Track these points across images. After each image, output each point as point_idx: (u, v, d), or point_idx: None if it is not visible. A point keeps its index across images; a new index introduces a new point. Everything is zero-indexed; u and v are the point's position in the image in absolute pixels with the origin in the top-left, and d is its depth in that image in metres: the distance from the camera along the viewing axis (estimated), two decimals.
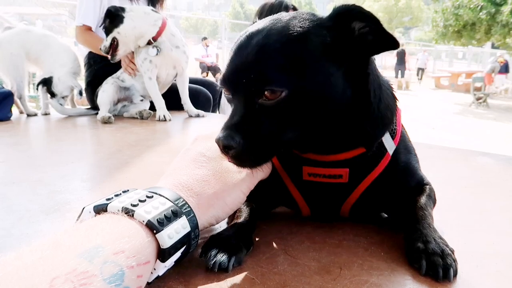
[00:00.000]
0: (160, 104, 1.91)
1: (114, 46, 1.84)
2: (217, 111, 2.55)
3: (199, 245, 0.52)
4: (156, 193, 0.48)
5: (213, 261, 0.50)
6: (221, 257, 0.51)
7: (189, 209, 0.49)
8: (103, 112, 1.87)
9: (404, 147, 0.67)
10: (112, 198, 0.46)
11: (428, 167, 0.75)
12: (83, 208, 0.47)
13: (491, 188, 0.94)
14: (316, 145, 0.60)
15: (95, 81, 2.11)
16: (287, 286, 0.48)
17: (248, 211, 0.63)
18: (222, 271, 0.50)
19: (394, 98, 0.64)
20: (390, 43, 0.53)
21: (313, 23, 0.54)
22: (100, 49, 1.86)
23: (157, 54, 1.85)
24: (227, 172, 0.56)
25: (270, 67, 0.51)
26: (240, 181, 0.57)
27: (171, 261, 0.46)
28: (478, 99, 10.59)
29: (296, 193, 0.65)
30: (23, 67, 2.00)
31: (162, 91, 2.00)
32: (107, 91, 1.95)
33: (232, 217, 0.63)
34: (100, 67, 2.18)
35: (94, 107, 2.05)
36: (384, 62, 17.98)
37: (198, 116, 2.00)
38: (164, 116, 1.88)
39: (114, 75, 2.02)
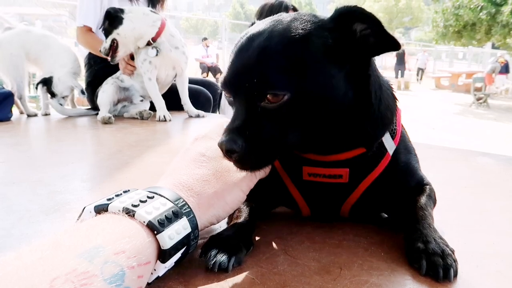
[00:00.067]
0: (160, 104, 1.91)
1: (113, 47, 1.84)
2: (217, 112, 2.55)
3: (199, 245, 0.52)
4: (156, 193, 0.48)
5: (213, 261, 0.50)
6: (221, 257, 0.51)
7: (189, 209, 0.49)
8: (103, 112, 1.87)
9: (404, 147, 0.67)
10: (113, 198, 0.46)
11: (428, 168, 0.75)
12: (84, 208, 0.47)
13: (491, 189, 0.94)
14: (316, 146, 0.60)
15: (95, 81, 2.11)
16: (287, 286, 0.48)
17: (248, 211, 0.63)
18: (222, 271, 0.50)
19: (394, 99, 0.64)
20: (392, 45, 0.53)
21: (315, 25, 0.53)
22: (100, 51, 1.86)
23: (156, 54, 1.86)
24: (227, 171, 0.56)
25: (272, 70, 0.51)
26: (240, 180, 0.57)
27: (171, 262, 0.46)
28: (478, 99, 10.58)
29: (296, 193, 0.65)
30: (23, 67, 2.01)
31: (162, 92, 2.01)
32: (107, 92, 1.95)
33: (232, 217, 0.63)
34: (100, 68, 2.18)
35: (94, 107, 2.05)
36: (384, 63, 17.98)
37: (198, 116, 2.00)
38: (164, 116, 1.88)
39: (114, 76, 2.02)
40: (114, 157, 1.19)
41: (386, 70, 16.08)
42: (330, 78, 0.53)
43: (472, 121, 8.26)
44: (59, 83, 1.99)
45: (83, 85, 2.19)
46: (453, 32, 14.03)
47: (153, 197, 0.47)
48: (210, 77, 9.92)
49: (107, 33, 1.83)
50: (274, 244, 0.59)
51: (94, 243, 0.37)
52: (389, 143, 0.63)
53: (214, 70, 10.83)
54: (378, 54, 0.55)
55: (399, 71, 14.27)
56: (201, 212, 0.51)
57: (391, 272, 0.52)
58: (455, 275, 0.50)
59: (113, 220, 0.43)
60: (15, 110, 2.00)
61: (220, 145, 0.53)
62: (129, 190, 0.49)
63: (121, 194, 0.48)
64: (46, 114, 2.08)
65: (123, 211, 0.44)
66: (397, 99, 0.65)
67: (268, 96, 0.51)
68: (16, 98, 1.97)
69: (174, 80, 2.05)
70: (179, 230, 0.45)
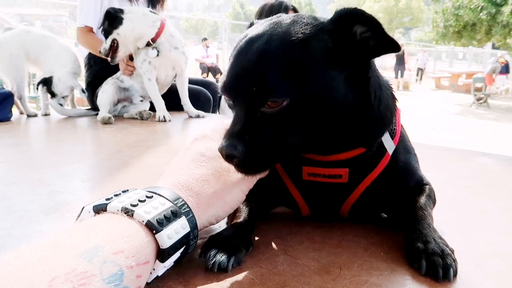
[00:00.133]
0: (160, 105, 1.91)
1: (114, 48, 1.83)
2: (217, 112, 2.55)
3: (198, 245, 0.52)
4: (155, 193, 0.48)
5: (213, 261, 0.50)
6: (221, 257, 0.51)
7: (188, 209, 0.49)
8: (103, 112, 1.87)
9: (404, 147, 0.67)
10: (112, 198, 0.46)
11: (429, 168, 0.75)
12: (83, 208, 0.47)
13: (491, 189, 0.94)
14: (316, 146, 0.60)
15: (95, 81, 2.11)
16: (287, 286, 0.48)
17: (248, 211, 0.63)
18: (222, 271, 0.50)
19: (393, 99, 0.64)
20: (392, 47, 0.53)
21: (314, 28, 0.53)
22: (100, 51, 1.86)
23: (157, 55, 1.85)
24: (227, 171, 0.56)
25: (272, 75, 0.51)
26: (240, 180, 0.57)
27: (170, 262, 0.46)
28: (478, 99, 10.59)
29: (295, 193, 0.65)
30: (23, 67, 2.00)
31: (161, 92, 2.01)
32: (107, 92, 1.95)
33: (231, 217, 0.63)
34: (100, 68, 2.18)
35: (94, 107, 2.05)
36: (384, 63, 17.99)
37: (198, 116, 2.00)
38: (164, 116, 1.88)
39: (114, 76, 2.02)
40: (114, 157, 1.19)
41: (386, 70, 16.09)
42: (330, 81, 0.53)
43: (472, 121, 8.26)
44: (59, 83, 1.99)
45: (83, 85, 2.19)
46: (453, 32, 14.03)
47: (152, 196, 0.47)
48: (210, 78, 9.93)
49: (107, 33, 1.83)
50: (273, 244, 0.59)
51: (93, 243, 0.37)
52: (389, 143, 0.63)
53: (214, 70, 10.83)
54: (378, 56, 0.55)
55: (399, 72, 14.28)
56: (200, 212, 0.51)
57: (391, 272, 0.52)
58: (455, 275, 0.50)
59: (112, 220, 0.43)
60: (15, 111, 2.00)
61: (220, 150, 0.53)
62: (128, 190, 0.49)
63: (120, 194, 0.48)
64: (46, 115, 2.08)
65: (122, 211, 0.44)
66: (396, 99, 0.65)
67: (267, 101, 0.51)
68: (16, 99, 1.97)
69: (174, 81, 2.05)
70: (178, 229, 0.45)
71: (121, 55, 1.87)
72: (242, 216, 0.61)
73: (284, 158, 0.58)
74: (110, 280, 0.35)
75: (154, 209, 0.45)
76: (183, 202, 0.49)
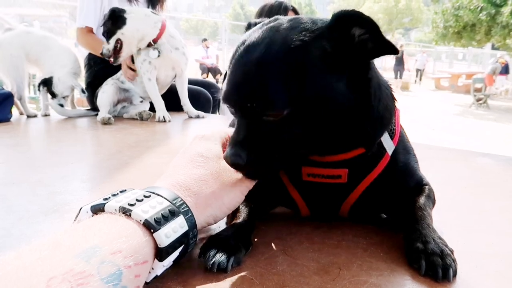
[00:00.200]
0: (160, 105, 1.91)
1: (117, 48, 1.82)
2: (217, 112, 2.56)
3: (197, 245, 0.52)
4: (153, 193, 0.48)
5: (212, 261, 0.50)
6: (220, 257, 0.51)
7: (187, 208, 0.49)
8: (103, 113, 1.87)
9: (403, 147, 0.67)
10: (110, 198, 0.46)
11: (428, 168, 0.75)
12: (81, 208, 0.47)
13: (490, 189, 0.94)
14: (317, 149, 0.60)
15: (95, 82, 2.11)
16: (286, 287, 0.48)
17: (247, 211, 0.63)
18: (221, 272, 0.50)
19: (393, 99, 0.64)
20: (390, 49, 0.53)
21: (312, 34, 0.52)
22: (102, 52, 1.84)
23: (158, 56, 1.85)
24: (225, 172, 0.57)
25: (271, 87, 0.51)
26: (238, 181, 0.57)
27: (169, 261, 0.46)
28: (478, 100, 10.60)
29: (295, 193, 0.65)
30: (23, 68, 2.01)
31: (161, 92, 2.01)
32: (107, 92, 1.95)
33: (231, 217, 0.63)
34: (100, 68, 2.18)
35: (94, 108, 2.05)
36: (384, 64, 18.00)
37: (198, 117, 2.00)
38: (164, 117, 1.88)
39: (114, 76, 2.02)
40: (114, 157, 1.19)
41: (385, 71, 16.10)
42: (331, 86, 0.53)
43: (472, 121, 8.27)
44: (59, 83, 1.99)
45: (83, 86, 2.19)
46: (452, 33, 14.05)
47: (150, 196, 0.47)
48: (210, 78, 9.93)
49: (110, 33, 1.80)
50: (273, 245, 0.59)
51: (91, 243, 0.37)
52: (388, 144, 0.63)
53: (214, 71, 10.84)
54: (377, 57, 0.55)
55: (398, 72, 14.30)
56: (199, 212, 0.51)
57: (391, 273, 0.52)
58: (454, 275, 0.50)
59: (109, 220, 0.43)
60: (15, 111, 2.00)
61: (226, 158, 0.54)
62: (125, 190, 0.49)
63: (117, 194, 0.48)
64: (46, 115, 2.08)
65: (119, 210, 0.44)
66: (395, 100, 0.65)
67: (268, 111, 0.52)
68: (16, 99, 1.97)
69: (174, 81, 2.05)
70: (176, 228, 0.45)
71: (124, 55, 1.85)
72: (242, 216, 0.61)
73: (288, 163, 0.58)
74: (109, 280, 0.35)
75: (151, 208, 0.45)
76: (182, 201, 0.49)
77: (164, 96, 1.96)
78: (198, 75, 9.75)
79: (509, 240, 0.64)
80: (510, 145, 5.72)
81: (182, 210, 0.48)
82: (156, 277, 0.46)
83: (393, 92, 0.65)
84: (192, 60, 7.31)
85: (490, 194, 0.90)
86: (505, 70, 12.69)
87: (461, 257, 0.53)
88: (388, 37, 0.53)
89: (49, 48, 2.04)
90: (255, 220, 0.62)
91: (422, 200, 0.63)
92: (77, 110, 2.18)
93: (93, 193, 0.90)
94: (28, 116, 2.01)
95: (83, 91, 2.05)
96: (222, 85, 0.58)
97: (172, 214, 0.46)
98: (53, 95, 2.02)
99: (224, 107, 2.59)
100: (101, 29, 2.19)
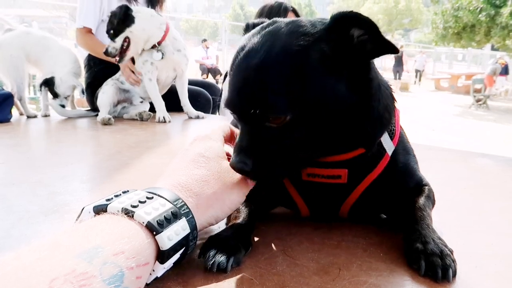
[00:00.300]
0: (160, 105, 1.91)
1: (123, 47, 1.79)
2: (217, 113, 2.56)
3: (197, 245, 0.53)
4: (155, 194, 0.48)
5: (212, 262, 0.50)
6: (220, 258, 0.51)
7: (188, 210, 0.49)
8: (103, 113, 1.87)
9: (403, 148, 0.67)
10: (112, 198, 0.46)
11: (428, 168, 0.75)
12: (83, 208, 0.47)
13: (490, 189, 0.95)
14: (319, 150, 0.60)
15: (95, 82, 2.11)
16: (286, 287, 0.48)
17: (247, 211, 0.63)
18: (221, 272, 0.50)
19: (392, 99, 0.64)
20: (390, 49, 0.53)
21: (311, 37, 0.52)
22: (107, 50, 1.79)
23: (162, 58, 1.85)
24: (226, 172, 0.57)
25: (271, 93, 0.51)
26: (239, 181, 0.57)
27: (170, 263, 0.46)
28: (478, 100, 10.61)
29: (295, 193, 0.65)
30: (23, 68, 2.01)
31: (161, 93, 2.01)
32: (107, 93, 1.95)
33: (231, 217, 0.63)
34: (100, 69, 2.18)
35: (94, 108, 2.05)
36: (384, 64, 18.00)
37: (198, 117, 2.00)
38: (164, 117, 1.88)
39: (113, 77, 2.02)
40: (114, 158, 1.19)
41: (385, 71, 16.11)
42: (331, 89, 0.53)
43: (472, 122, 8.27)
44: (61, 84, 1.99)
45: (83, 86, 2.19)
46: (452, 34, 14.06)
47: (152, 197, 0.47)
48: (210, 79, 9.93)
49: (117, 31, 1.76)
50: (273, 245, 0.60)
51: (93, 244, 0.37)
52: (388, 144, 0.63)
53: (214, 71, 10.84)
54: (376, 57, 0.55)
55: (397, 73, 14.31)
56: (200, 212, 0.51)
57: (390, 273, 0.52)
58: (454, 275, 0.50)
59: (112, 221, 0.43)
60: (15, 112, 2.00)
61: (232, 165, 0.55)
62: (128, 191, 0.49)
63: (120, 194, 0.47)
64: (46, 116, 2.08)
65: (122, 211, 0.44)
66: (395, 100, 0.65)
67: (270, 118, 0.52)
68: (16, 100, 1.97)
69: (174, 81, 2.06)
70: (178, 231, 0.45)
71: (130, 54, 1.83)
72: (242, 216, 0.61)
73: (294, 167, 0.58)
74: (111, 281, 0.35)
75: (154, 210, 0.45)
76: (183, 203, 0.49)
77: (164, 97, 1.96)
78: (198, 76, 9.75)
79: (508, 241, 0.64)
80: (509, 146, 5.72)
81: (183, 212, 0.48)
82: (156, 278, 0.46)
83: (393, 93, 0.65)
84: (192, 60, 7.32)
85: (490, 195, 0.90)
86: (504, 71, 12.70)
87: (461, 258, 0.53)
88: (388, 37, 0.53)
89: (49, 49, 2.04)
90: (255, 220, 0.63)
91: (421, 200, 0.63)
92: (77, 111, 2.18)
93: (93, 193, 0.90)
94: (28, 117, 2.01)
95: (82, 92, 2.05)
96: (222, 86, 0.58)
97: (174, 217, 0.46)
98: (55, 96, 2.02)
99: (224, 108, 2.58)
100: (101, 30, 2.20)
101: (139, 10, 1.82)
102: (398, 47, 0.54)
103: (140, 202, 0.45)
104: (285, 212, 0.72)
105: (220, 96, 2.51)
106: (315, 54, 0.52)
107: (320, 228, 0.65)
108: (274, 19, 0.59)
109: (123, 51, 1.80)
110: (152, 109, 2.00)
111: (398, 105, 0.66)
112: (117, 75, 2.02)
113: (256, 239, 0.61)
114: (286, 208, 0.72)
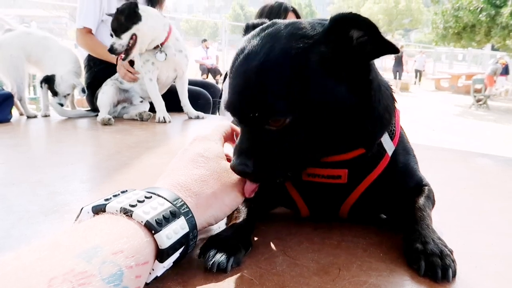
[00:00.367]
0: (160, 106, 1.91)
1: (130, 44, 1.78)
2: (217, 113, 2.56)
3: (197, 245, 0.53)
4: (154, 194, 0.48)
5: (212, 262, 0.50)
6: (220, 258, 0.51)
7: (188, 209, 0.49)
8: (103, 113, 1.87)
9: (403, 148, 0.67)
10: (111, 198, 0.46)
11: (427, 168, 0.75)
12: (82, 209, 0.47)
13: (490, 190, 0.95)
14: (319, 151, 0.60)
15: (95, 83, 2.11)
16: (286, 287, 0.48)
17: (247, 211, 0.63)
18: (221, 272, 0.50)
19: (393, 99, 0.64)
20: (390, 49, 0.53)
21: (311, 39, 0.52)
22: (112, 48, 1.76)
23: (165, 59, 1.85)
24: (226, 172, 0.57)
25: (271, 96, 0.51)
26: (238, 181, 0.57)
27: (169, 262, 0.46)
28: (478, 101, 10.61)
29: (295, 193, 0.65)
30: (23, 69, 2.01)
31: (161, 92, 2.01)
32: (106, 93, 1.95)
33: (231, 217, 0.63)
34: (100, 69, 2.19)
35: (94, 109, 2.06)
36: (384, 64, 18.01)
37: (198, 118, 2.00)
38: (164, 118, 1.88)
39: (113, 77, 2.02)
40: (114, 158, 1.19)
41: (385, 71, 16.11)
42: (331, 91, 0.53)
43: (472, 122, 8.28)
44: (61, 82, 1.99)
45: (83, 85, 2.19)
46: (452, 34, 14.06)
47: (151, 197, 0.47)
48: (210, 79, 9.94)
49: (124, 28, 1.74)
50: (273, 245, 0.60)
51: (92, 244, 0.37)
52: (388, 144, 0.63)
53: (214, 71, 10.85)
54: (376, 58, 0.55)
55: (397, 73, 14.31)
56: (199, 212, 0.51)
57: (390, 273, 0.52)
58: (454, 275, 0.50)
59: (111, 221, 0.43)
60: (15, 112, 2.00)
61: (232, 168, 0.55)
62: (126, 191, 0.49)
63: (118, 194, 0.48)
64: (46, 116, 2.08)
65: (120, 211, 0.44)
66: (395, 100, 0.65)
67: (270, 121, 0.53)
68: (16, 100, 1.97)
69: (174, 82, 2.06)
70: (177, 229, 0.46)
71: (135, 52, 1.81)
72: (242, 216, 0.61)
73: (295, 168, 0.58)
74: (110, 280, 0.35)
75: (153, 210, 0.45)
76: (183, 202, 0.49)
77: (164, 97, 1.96)
78: (198, 76, 9.75)
79: (508, 241, 0.64)
80: (509, 146, 5.72)
81: (182, 211, 0.48)
82: (156, 277, 0.46)
83: (393, 93, 0.65)
84: (192, 60, 7.33)
85: (490, 195, 0.90)
86: (505, 71, 12.71)
87: (461, 258, 0.53)
88: (388, 38, 0.53)
89: (49, 49, 2.04)
90: (255, 220, 0.63)
91: (421, 200, 0.63)
92: (77, 111, 2.18)
93: (93, 193, 0.90)
94: (28, 117, 2.02)
95: (83, 90, 2.05)
96: (222, 87, 0.58)
97: (173, 216, 0.46)
98: (55, 94, 2.01)
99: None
100: (101, 30, 2.20)
101: (145, 9, 1.81)
102: (398, 47, 0.53)
103: (138, 201, 0.45)
104: (285, 212, 0.72)
105: (220, 96, 2.51)
106: (315, 57, 0.52)
107: (320, 228, 0.65)
108: (274, 20, 0.59)
109: (129, 48, 1.79)
110: (152, 109, 2.00)
111: (398, 105, 0.66)
112: (116, 75, 2.02)
113: (256, 239, 0.61)
114: (286, 208, 0.72)
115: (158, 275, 0.46)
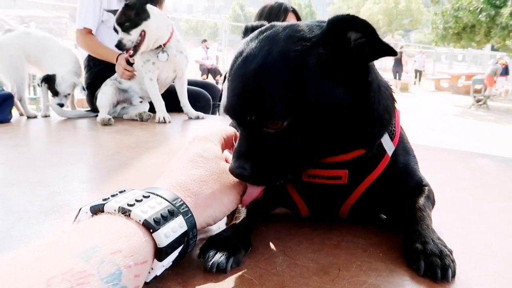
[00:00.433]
0: (160, 106, 1.91)
1: (138, 41, 1.77)
2: (217, 113, 2.56)
3: (197, 245, 0.53)
4: (153, 193, 0.48)
5: (212, 262, 0.50)
6: (220, 258, 0.51)
7: (187, 209, 0.49)
8: (103, 114, 1.87)
9: (403, 148, 0.67)
10: (109, 198, 0.47)
11: (427, 169, 0.75)
12: (80, 209, 0.47)
13: (490, 190, 0.95)
14: (318, 153, 0.60)
15: (95, 83, 2.11)
16: (286, 287, 0.48)
17: (247, 212, 0.63)
18: (221, 272, 0.50)
19: (392, 100, 0.64)
20: (387, 52, 0.53)
21: (309, 42, 0.52)
22: (120, 44, 1.75)
23: (167, 59, 1.85)
24: (225, 173, 0.57)
25: (269, 99, 0.51)
26: (238, 182, 0.57)
27: (168, 261, 0.46)
28: (478, 101, 10.61)
29: (295, 194, 0.65)
30: (23, 69, 2.01)
31: (160, 92, 2.01)
32: (106, 93, 1.95)
33: (231, 218, 0.63)
34: (100, 70, 2.19)
35: (94, 109, 2.06)
36: (384, 64, 18.00)
37: (197, 118, 2.00)
38: (164, 118, 1.88)
39: (112, 77, 2.02)
40: (114, 158, 1.19)
41: (385, 72, 16.12)
42: (329, 93, 0.53)
43: (472, 122, 8.28)
44: (62, 82, 1.99)
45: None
46: (452, 34, 14.07)
47: (149, 196, 0.47)
48: (210, 79, 9.94)
49: (134, 23, 1.73)
50: (272, 245, 0.60)
51: (91, 243, 0.37)
52: (388, 144, 0.63)
53: (214, 72, 10.85)
54: (374, 60, 0.55)
55: (397, 73, 14.31)
56: (198, 212, 0.51)
57: (390, 273, 0.52)
58: (453, 275, 0.50)
59: (109, 220, 0.43)
60: (15, 112, 2.01)
61: (231, 170, 0.55)
62: (125, 191, 0.49)
63: (117, 194, 0.48)
64: (46, 116, 2.08)
65: (119, 211, 0.44)
66: (395, 100, 0.65)
67: (268, 124, 0.53)
68: (16, 100, 1.97)
69: (173, 82, 2.06)
70: (175, 228, 0.46)
71: (143, 49, 1.80)
72: (241, 217, 0.61)
73: (294, 171, 0.58)
74: (108, 279, 0.35)
75: (151, 209, 0.45)
76: (182, 202, 0.49)
77: (164, 97, 1.96)
78: (198, 76, 9.75)
79: (508, 241, 0.64)
80: (509, 146, 5.72)
81: (182, 211, 0.48)
82: (156, 277, 0.46)
83: (393, 93, 0.65)
84: (192, 61, 7.33)
85: (489, 195, 0.90)
86: (505, 71, 12.72)
87: (460, 258, 0.53)
88: (388, 38, 0.53)
89: (49, 49, 2.04)
90: (255, 220, 0.63)
91: (421, 201, 0.63)
92: (77, 111, 2.18)
93: (93, 193, 0.90)
94: (28, 117, 2.02)
95: (83, 89, 2.05)
96: (222, 87, 0.58)
97: (171, 214, 0.46)
98: (55, 93, 2.01)
99: None
100: (101, 30, 2.20)
101: (151, 8, 1.81)
102: (398, 47, 0.54)
103: (136, 201, 0.46)
104: (285, 213, 0.72)
105: (220, 96, 2.51)
106: (313, 59, 0.52)
107: (320, 229, 0.65)
108: (272, 23, 0.59)
109: (137, 45, 1.78)
110: (152, 109, 2.00)
111: (398, 105, 0.66)
112: (115, 75, 2.02)
113: (255, 239, 0.61)
114: (286, 208, 0.72)
115: (158, 274, 0.46)
